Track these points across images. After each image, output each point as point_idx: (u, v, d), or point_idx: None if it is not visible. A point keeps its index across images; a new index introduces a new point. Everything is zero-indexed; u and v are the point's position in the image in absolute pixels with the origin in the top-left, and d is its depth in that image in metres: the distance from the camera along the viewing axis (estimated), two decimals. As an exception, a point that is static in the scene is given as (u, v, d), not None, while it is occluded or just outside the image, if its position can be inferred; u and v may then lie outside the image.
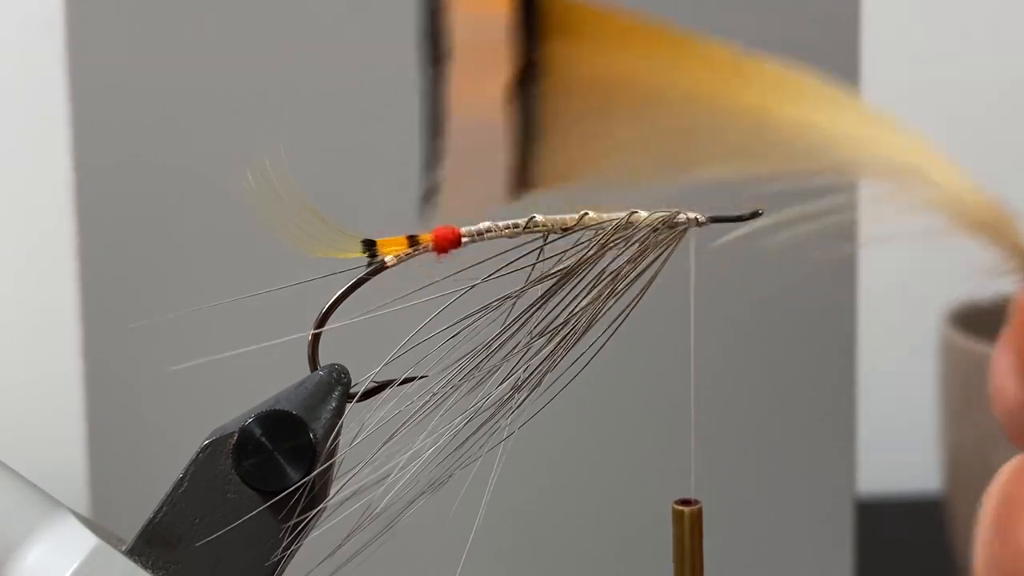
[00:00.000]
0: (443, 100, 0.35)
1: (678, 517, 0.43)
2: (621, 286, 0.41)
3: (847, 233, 0.37)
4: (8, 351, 1.07)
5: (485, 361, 0.40)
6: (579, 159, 0.37)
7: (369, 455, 0.40)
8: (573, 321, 0.40)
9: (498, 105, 0.35)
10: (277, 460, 0.40)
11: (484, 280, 0.40)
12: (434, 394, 0.40)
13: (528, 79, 0.35)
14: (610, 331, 0.41)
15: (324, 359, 0.42)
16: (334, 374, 0.41)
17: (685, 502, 0.43)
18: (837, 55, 0.70)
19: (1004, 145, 1.11)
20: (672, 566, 0.43)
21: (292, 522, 0.40)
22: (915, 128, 0.37)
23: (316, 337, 0.41)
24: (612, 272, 0.41)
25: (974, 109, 1.12)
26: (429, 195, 0.36)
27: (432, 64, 0.35)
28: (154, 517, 0.41)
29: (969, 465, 0.92)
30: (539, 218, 0.41)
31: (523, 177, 0.36)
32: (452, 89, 0.35)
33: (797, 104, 0.36)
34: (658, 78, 0.36)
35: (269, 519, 0.40)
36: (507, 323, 0.40)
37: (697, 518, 0.42)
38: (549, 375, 0.41)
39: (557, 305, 0.40)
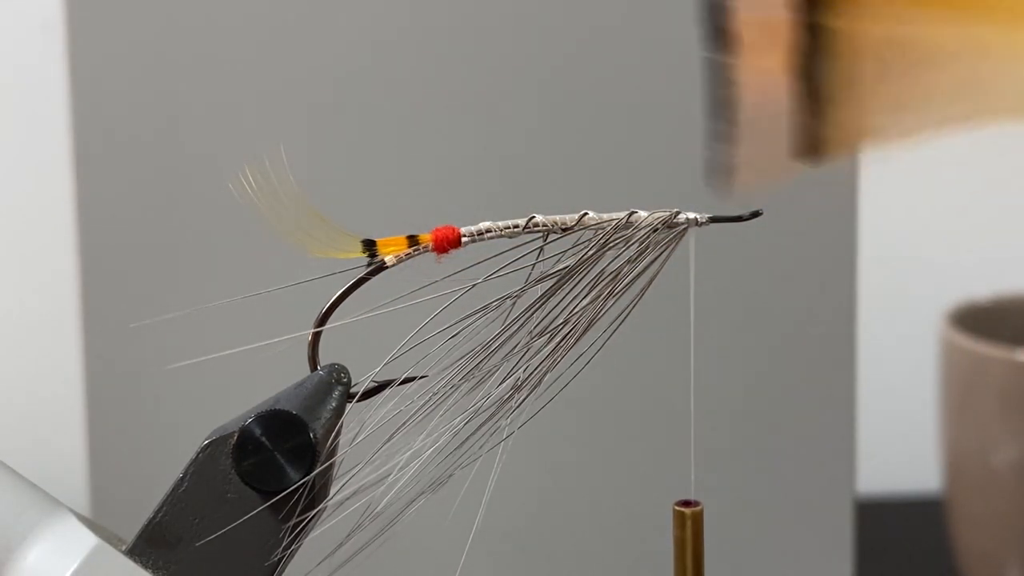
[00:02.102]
0: (730, 78, 0.36)
1: (679, 518, 0.43)
2: (621, 286, 0.41)
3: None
4: (8, 351, 1.07)
5: (485, 361, 0.40)
6: (867, 120, 0.37)
7: (369, 455, 0.40)
8: (573, 321, 0.40)
9: (783, 77, 0.36)
10: (277, 460, 0.40)
11: (484, 280, 0.40)
12: (434, 394, 0.40)
13: (814, 46, 0.36)
14: (610, 331, 0.41)
15: (324, 359, 0.42)
16: (334, 374, 0.41)
17: (686, 503, 0.43)
18: None
19: None
20: (673, 567, 0.43)
21: (292, 522, 0.40)
22: None
23: (316, 337, 0.41)
24: (612, 272, 0.41)
25: None
26: (721, 172, 0.36)
27: (716, 43, 0.35)
28: (154, 517, 0.41)
29: (969, 465, 0.92)
30: (539, 218, 0.41)
31: (815, 144, 0.37)
32: (739, 66, 0.36)
33: None
34: (942, 31, 0.36)
35: (269, 519, 0.40)
36: (507, 323, 0.40)
37: (698, 519, 0.42)
38: (549, 375, 0.41)
39: (557, 305, 0.40)
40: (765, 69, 0.36)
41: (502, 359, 0.40)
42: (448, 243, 0.41)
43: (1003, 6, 0.36)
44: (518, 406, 0.40)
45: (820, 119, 0.36)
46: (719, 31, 0.35)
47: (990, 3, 0.36)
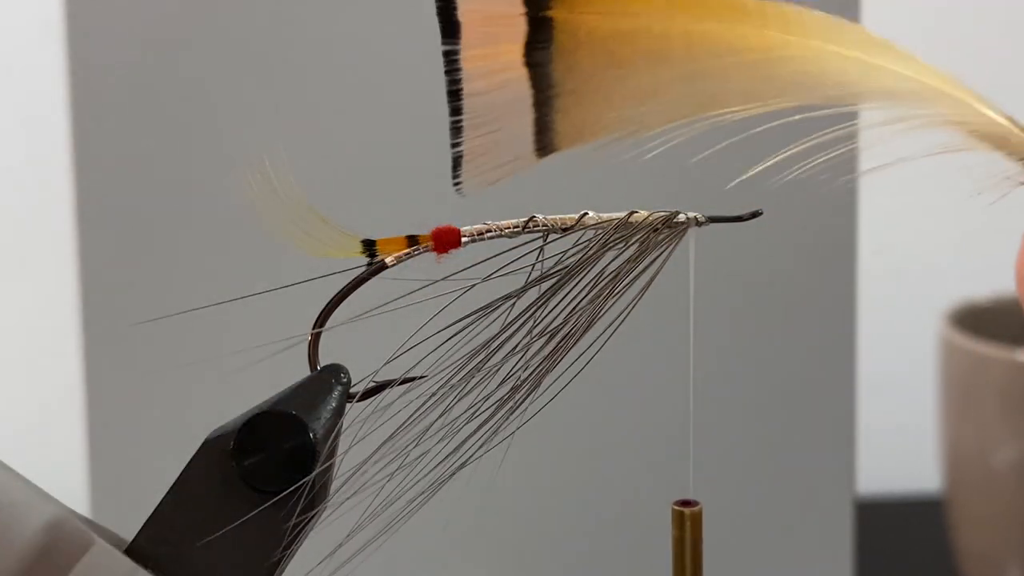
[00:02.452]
0: (460, 71, 0.37)
1: (678, 518, 0.42)
2: (621, 286, 0.41)
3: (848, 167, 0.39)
4: (8, 351, 1.07)
5: (485, 361, 0.40)
6: (596, 114, 0.38)
7: (369, 455, 0.40)
8: (573, 321, 0.40)
9: (516, 70, 0.37)
10: (277, 460, 0.40)
11: (484, 280, 0.40)
12: (434, 394, 0.40)
13: (541, 40, 0.36)
14: (610, 331, 0.41)
15: (324, 359, 0.42)
16: (334, 374, 0.41)
17: (685, 503, 0.43)
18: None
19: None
20: (672, 567, 0.43)
21: (292, 522, 0.40)
22: (913, 50, 0.38)
23: (316, 337, 0.41)
24: (612, 272, 0.41)
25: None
26: (456, 166, 0.38)
27: (446, 36, 0.36)
28: (154, 517, 0.41)
29: (969, 465, 0.92)
30: (539, 218, 0.41)
31: (545, 138, 0.38)
32: (468, 59, 0.37)
33: (800, 38, 0.37)
34: (664, 27, 0.37)
35: (269, 519, 0.40)
36: (507, 323, 0.40)
37: (697, 519, 0.42)
38: (549, 375, 0.41)
39: (557, 305, 0.40)
40: (500, 61, 0.37)
41: (502, 359, 0.40)
42: (448, 243, 0.41)
43: (714, 3, 0.37)
44: (518, 406, 0.40)
45: (553, 112, 0.37)
46: (450, 23, 0.36)
47: (702, 1, 0.37)
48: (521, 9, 0.37)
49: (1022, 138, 0.39)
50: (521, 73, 0.37)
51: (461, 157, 0.38)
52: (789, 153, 0.38)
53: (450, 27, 0.37)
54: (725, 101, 0.38)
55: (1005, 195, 0.40)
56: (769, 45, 0.37)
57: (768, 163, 0.39)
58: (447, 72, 0.37)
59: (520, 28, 0.37)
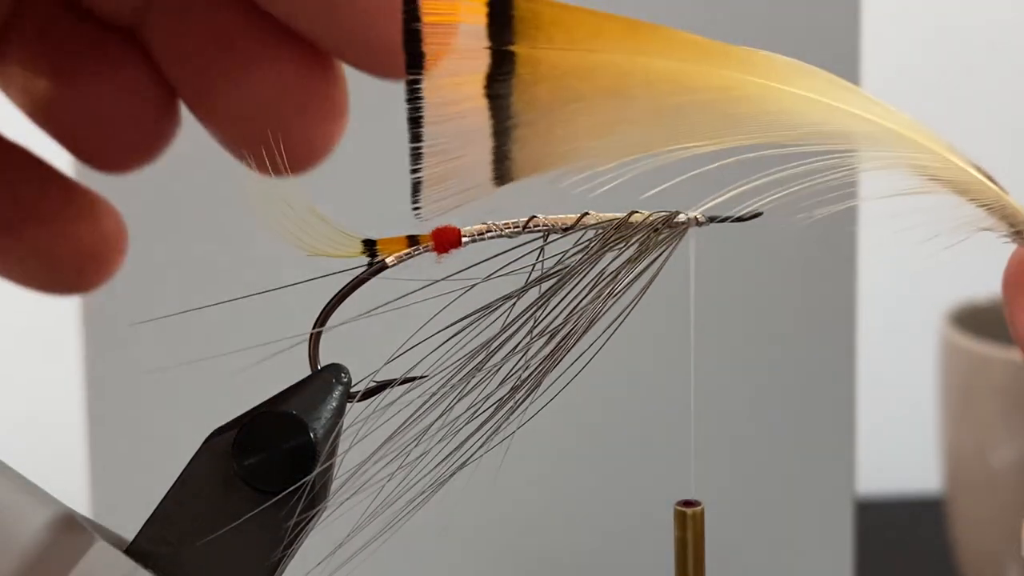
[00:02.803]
0: (421, 99, 0.37)
1: (680, 519, 0.42)
2: (621, 286, 0.41)
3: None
4: (8, 351, 1.07)
5: (485, 361, 0.40)
6: (554, 146, 0.38)
7: (370, 455, 0.40)
8: (573, 321, 0.40)
9: (476, 101, 0.38)
10: (277, 460, 0.40)
11: (484, 280, 0.40)
12: (434, 394, 0.40)
13: (502, 73, 0.37)
14: (610, 331, 0.41)
15: (324, 359, 0.42)
16: (334, 374, 0.41)
17: (687, 503, 0.43)
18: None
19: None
20: (673, 567, 0.43)
21: (292, 522, 0.40)
22: (876, 95, 0.38)
23: (316, 337, 0.41)
24: (612, 272, 0.41)
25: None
26: (415, 191, 0.38)
27: (411, 67, 0.37)
28: (154, 517, 0.41)
29: (969, 465, 0.92)
30: (539, 218, 0.41)
31: (503, 168, 0.38)
32: (430, 88, 0.37)
33: (760, 79, 0.38)
34: (625, 65, 0.38)
35: (269, 519, 0.40)
36: (507, 323, 0.40)
37: (699, 520, 0.42)
38: (549, 375, 0.41)
39: (557, 305, 0.40)
40: (461, 92, 0.38)
41: (502, 359, 0.40)
42: (449, 243, 0.41)
43: (676, 41, 0.38)
44: (518, 406, 0.40)
45: (511, 142, 0.38)
46: (415, 55, 0.37)
47: (663, 38, 0.38)
48: (485, 43, 0.37)
49: (983, 184, 0.40)
50: (481, 104, 0.38)
51: (420, 183, 0.38)
52: (747, 187, 0.39)
53: (415, 58, 0.37)
54: (683, 138, 0.38)
55: (964, 239, 0.41)
56: (728, 85, 0.38)
57: (729, 194, 0.39)
58: (408, 100, 0.38)
59: (483, 61, 0.37)
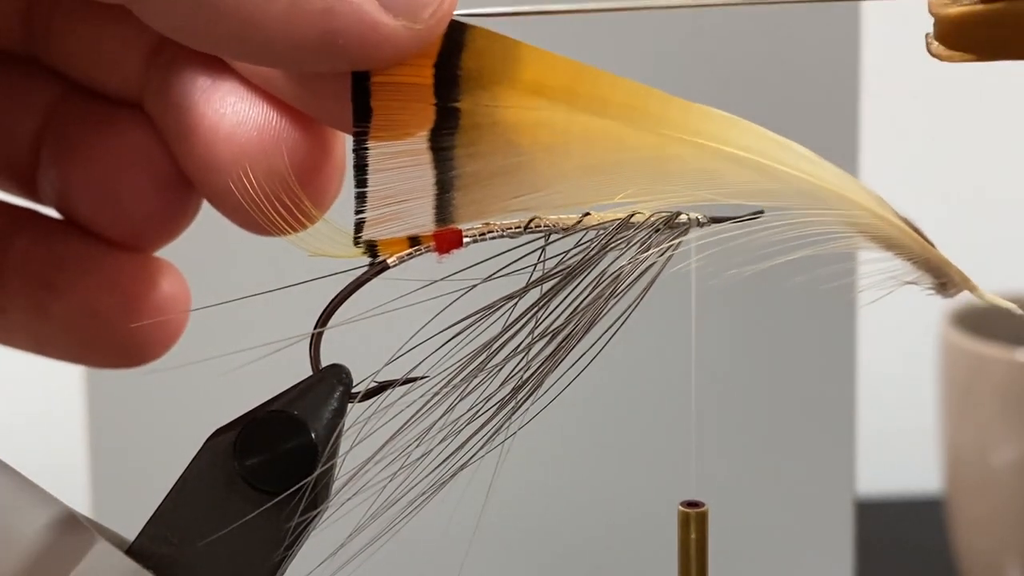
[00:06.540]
0: (368, 149, 0.39)
1: (684, 519, 0.42)
2: (622, 286, 0.41)
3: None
4: (8, 350, 1.07)
5: (487, 361, 0.40)
6: (494, 196, 0.40)
7: (371, 455, 0.40)
8: (575, 322, 0.40)
9: (420, 153, 0.40)
10: (278, 460, 0.40)
11: (486, 280, 0.40)
12: (436, 394, 0.40)
13: (447, 128, 0.39)
14: (612, 332, 0.41)
15: (326, 359, 0.42)
16: (336, 374, 0.41)
17: (691, 504, 0.43)
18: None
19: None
20: (677, 568, 0.43)
21: (293, 522, 0.40)
22: (812, 152, 0.40)
23: (317, 337, 0.41)
24: (613, 272, 0.41)
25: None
26: (358, 230, 0.40)
27: (358, 120, 0.39)
28: (155, 517, 0.41)
29: (969, 465, 0.92)
30: (540, 218, 0.41)
31: (445, 213, 0.40)
32: (376, 138, 0.39)
33: (695, 138, 0.40)
34: (565, 122, 0.39)
35: (270, 519, 0.40)
36: (509, 323, 0.40)
37: (703, 520, 0.42)
38: (551, 376, 0.41)
39: (559, 305, 0.40)
40: (406, 143, 0.39)
41: (504, 360, 0.40)
42: (450, 243, 0.41)
43: (619, 90, 0.40)
44: (519, 407, 0.40)
45: (453, 190, 0.40)
46: (363, 109, 0.39)
47: (607, 86, 0.40)
48: (432, 100, 0.39)
49: (914, 239, 0.42)
50: (425, 155, 0.40)
51: (363, 223, 0.40)
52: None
53: (363, 112, 0.39)
54: (620, 192, 0.40)
55: (890, 292, 0.42)
56: (661, 143, 0.40)
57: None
58: (355, 149, 0.39)
59: (428, 116, 0.39)
